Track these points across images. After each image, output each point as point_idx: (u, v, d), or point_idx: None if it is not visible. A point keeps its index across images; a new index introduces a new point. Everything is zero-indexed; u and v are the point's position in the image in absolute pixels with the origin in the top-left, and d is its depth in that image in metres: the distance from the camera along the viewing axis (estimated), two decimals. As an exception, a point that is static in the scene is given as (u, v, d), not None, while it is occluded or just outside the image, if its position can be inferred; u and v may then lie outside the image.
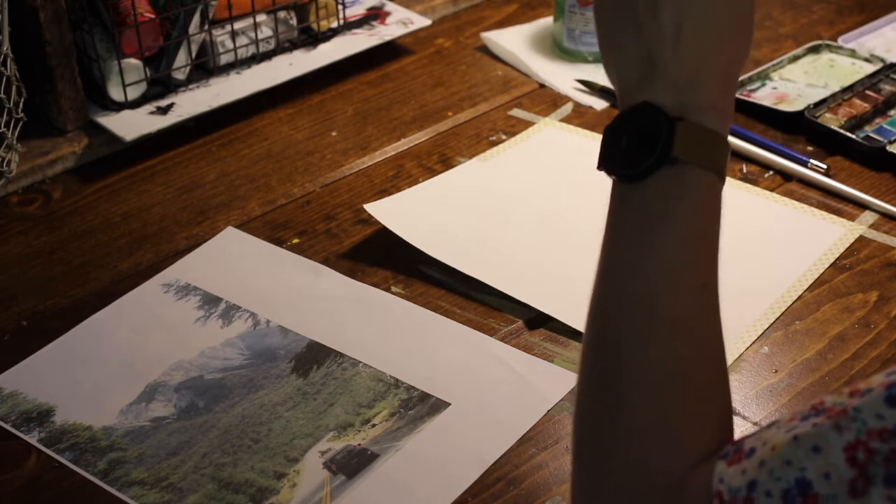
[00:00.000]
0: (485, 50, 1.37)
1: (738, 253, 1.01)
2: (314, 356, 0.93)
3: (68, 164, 1.17)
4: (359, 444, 0.85)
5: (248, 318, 0.97)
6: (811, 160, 1.13)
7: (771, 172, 1.14)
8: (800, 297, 0.98)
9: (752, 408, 0.88)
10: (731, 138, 1.16)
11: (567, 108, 1.25)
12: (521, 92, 1.29)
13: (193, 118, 1.20)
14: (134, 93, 1.19)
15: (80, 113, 1.17)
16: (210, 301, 0.99)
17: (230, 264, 1.03)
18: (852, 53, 1.32)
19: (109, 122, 1.17)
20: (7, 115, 1.06)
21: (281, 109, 1.26)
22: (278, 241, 1.06)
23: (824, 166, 1.13)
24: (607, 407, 0.60)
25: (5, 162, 1.07)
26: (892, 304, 0.97)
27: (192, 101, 1.21)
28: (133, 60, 1.18)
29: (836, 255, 1.02)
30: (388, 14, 1.37)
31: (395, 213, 1.07)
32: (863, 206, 1.09)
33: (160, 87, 1.22)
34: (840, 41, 1.34)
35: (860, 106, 1.21)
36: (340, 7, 1.32)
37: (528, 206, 1.09)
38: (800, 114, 1.20)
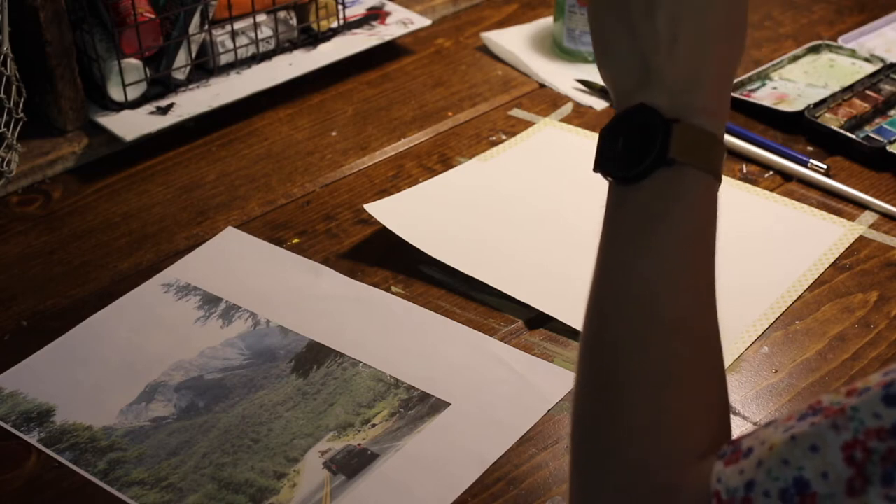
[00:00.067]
0: (485, 50, 1.37)
1: (738, 253, 1.01)
2: (314, 356, 0.93)
3: (68, 164, 1.17)
4: (359, 444, 0.85)
5: (248, 318, 0.97)
6: (811, 160, 1.13)
7: (771, 172, 1.14)
8: (800, 297, 0.98)
9: (751, 408, 0.88)
10: (731, 138, 1.17)
11: (567, 108, 1.25)
12: (521, 92, 1.29)
13: (193, 118, 1.20)
14: (134, 93, 1.19)
15: (80, 113, 1.17)
16: (210, 301, 0.99)
17: (230, 264, 1.03)
18: (852, 53, 1.32)
19: (109, 122, 1.17)
20: (7, 115, 1.06)
21: (281, 109, 1.26)
22: (278, 241, 1.06)
23: (824, 166, 1.13)
24: (606, 407, 0.60)
25: (5, 162, 1.07)
26: (892, 304, 0.97)
27: (192, 101, 1.21)
28: (133, 60, 1.18)
29: (836, 255, 1.02)
30: (388, 14, 1.37)
31: (395, 213, 1.07)
32: (863, 206, 1.09)
33: (160, 87, 1.22)
34: (840, 41, 1.34)
35: (860, 106, 1.21)
36: (340, 7, 1.32)
37: (528, 206, 1.09)
38: (800, 114, 1.20)
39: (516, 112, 1.25)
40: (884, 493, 0.48)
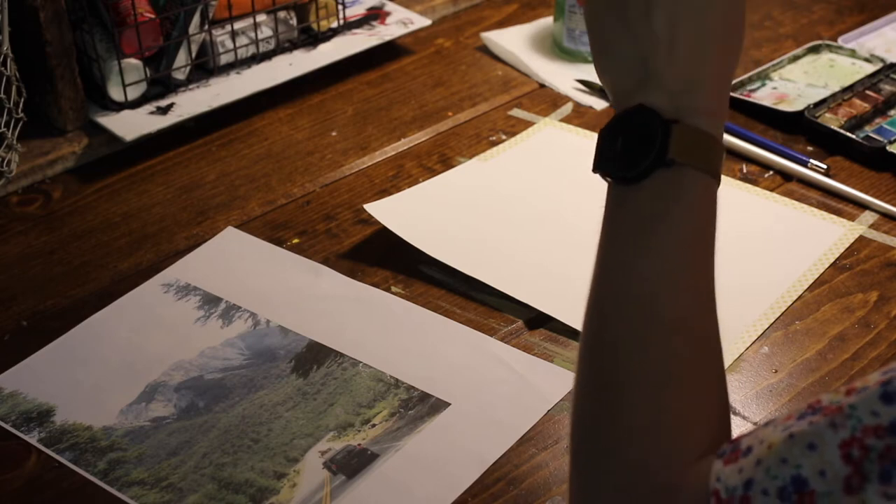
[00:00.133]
0: (485, 50, 1.37)
1: (738, 253, 1.01)
2: (314, 356, 0.93)
3: (68, 164, 1.17)
4: (359, 444, 0.85)
5: (248, 318, 0.97)
6: (811, 160, 1.13)
7: (771, 172, 1.14)
8: (800, 297, 0.98)
9: (751, 408, 0.88)
10: (731, 138, 1.17)
11: (567, 108, 1.25)
12: (521, 92, 1.29)
13: (193, 118, 1.20)
14: (134, 93, 1.19)
15: (80, 113, 1.17)
16: (210, 301, 0.99)
17: (230, 264, 1.03)
18: (852, 53, 1.32)
19: (109, 122, 1.17)
20: (7, 115, 1.06)
21: (281, 109, 1.26)
22: (278, 241, 1.06)
23: (824, 166, 1.13)
24: (606, 407, 0.60)
25: (5, 162, 1.07)
26: (892, 304, 0.97)
27: (192, 101, 1.21)
28: (133, 60, 1.18)
29: (836, 255, 1.02)
30: (388, 14, 1.37)
31: (395, 213, 1.07)
32: (863, 206, 1.09)
33: (160, 87, 1.22)
34: (840, 41, 1.34)
35: (860, 106, 1.21)
36: (340, 7, 1.32)
37: (528, 206, 1.09)
38: (800, 114, 1.20)
39: (516, 112, 1.25)
40: (881, 490, 0.48)
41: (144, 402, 0.89)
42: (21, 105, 1.08)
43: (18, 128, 1.08)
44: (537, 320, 0.96)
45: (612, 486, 0.58)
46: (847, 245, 1.03)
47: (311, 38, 1.31)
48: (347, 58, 1.30)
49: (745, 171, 1.14)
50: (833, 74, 1.29)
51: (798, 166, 1.13)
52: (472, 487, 0.81)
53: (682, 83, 0.62)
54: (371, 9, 1.38)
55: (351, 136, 1.22)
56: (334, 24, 1.33)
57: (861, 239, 1.04)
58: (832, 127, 1.17)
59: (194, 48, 1.22)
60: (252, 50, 1.27)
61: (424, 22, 1.37)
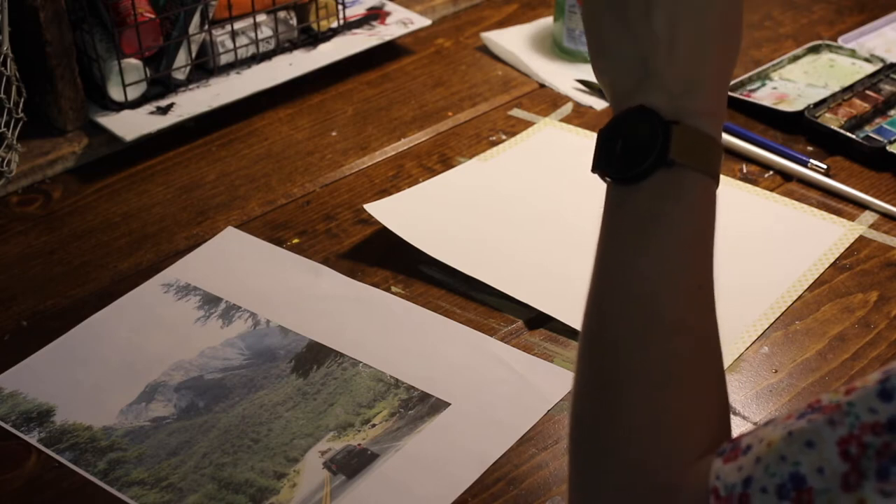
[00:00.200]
0: (485, 50, 1.37)
1: (738, 253, 1.01)
2: (314, 356, 0.93)
3: (68, 164, 1.17)
4: (359, 444, 0.85)
5: (248, 318, 0.97)
6: (811, 160, 1.13)
7: (771, 172, 1.14)
8: (800, 297, 0.98)
9: (752, 408, 0.88)
10: (731, 138, 1.17)
11: (567, 108, 1.25)
12: (521, 92, 1.29)
13: (193, 118, 1.20)
14: (134, 93, 1.19)
15: (80, 113, 1.17)
16: (210, 301, 0.99)
17: (230, 264, 1.03)
18: (852, 53, 1.32)
19: (109, 122, 1.17)
20: (7, 115, 1.06)
21: (281, 109, 1.26)
22: (278, 241, 1.06)
23: (824, 166, 1.13)
24: (605, 406, 0.60)
25: (5, 162, 1.07)
26: (892, 304, 0.97)
27: (192, 101, 1.21)
28: (133, 60, 1.18)
29: (836, 255, 1.02)
30: (388, 14, 1.37)
31: (395, 213, 1.07)
32: (863, 206, 1.09)
33: (160, 87, 1.22)
34: (840, 41, 1.34)
35: (860, 106, 1.21)
36: (340, 7, 1.32)
37: (528, 206, 1.09)
38: (800, 114, 1.20)
39: (516, 112, 1.25)
40: (879, 487, 0.48)
41: (144, 402, 0.89)
42: (21, 105, 1.08)
43: (18, 128, 1.08)
44: (537, 320, 0.96)
45: (612, 486, 0.58)
46: (847, 245, 1.03)
47: (311, 38, 1.31)
48: (347, 58, 1.30)
49: (745, 171, 1.14)
50: (833, 74, 1.29)
51: (798, 166, 1.13)
52: (472, 487, 0.81)
53: (682, 83, 0.62)
54: (371, 9, 1.38)
55: (351, 136, 1.22)
56: (334, 24, 1.33)
57: (861, 239, 1.04)
58: (832, 127, 1.17)
59: (194, 48, 1.22)
60: (252, 50, 1.27)
61: (424, 22, 1.37)
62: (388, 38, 1.34)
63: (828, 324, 0.95)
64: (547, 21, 1.41)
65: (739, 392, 0.89)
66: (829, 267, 1.01)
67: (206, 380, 0.91)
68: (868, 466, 0.49)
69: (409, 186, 1.12)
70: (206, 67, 1.25)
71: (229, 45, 1.25)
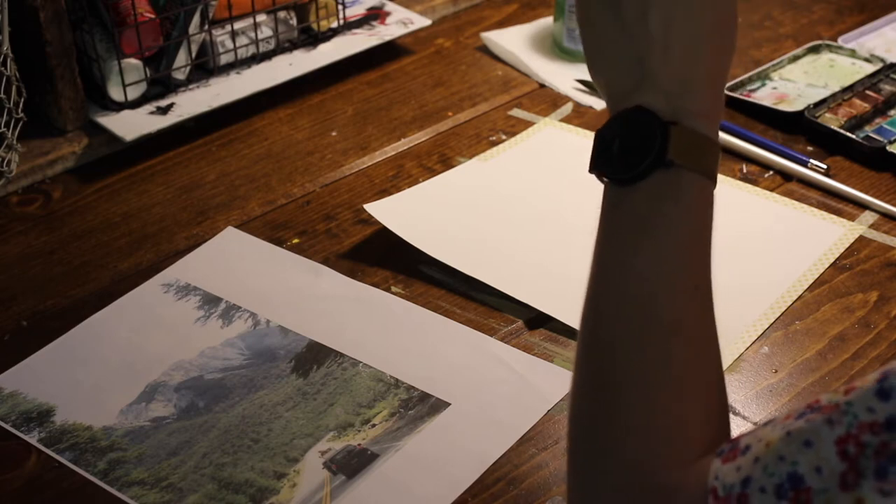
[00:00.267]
0: (485, 50, 1.37)
1: (738, 253, 1.01)
2: (314, 356, 0.93)
3: (68, 164, 1.17)
4: (359, 444, 0.85)
5: (248, 318, 0.97)
6: (811, 160, 1.13)
7: (771, 172, 1.14)
8: (800, 297, 0.98)
9: (752, 408, 0.88)
10: (731, 138, 1.17)
11: (567, 108, 1.25)
12: (521, 92, 1.29)
13: (193, 118, 1.20)
14: (134, 93, 1.19)
15: (80, 113, 1.17)
16: (210, 301, 0.99)
17: (230, 264, 1.03)
18: (852, 53, 1.32)
19: (109, 122, 1.17)
20: (7, 115, 1.06)
21: (281, 109, 1.26)
22: (278, 241, 1.06)
23: (824, 166, 1.13)
24: (603, 407, 0.60)
25: (5, 162, 1.07)
26: (892, 304, 0.97)
27: (192, 101, 1.21)
28: (133, 60, 1.18)
29: (836, 255, 1.02)
30: (388, 14, 1.37)
31: (395, 213, 1.07)
32: (863, 206, 1.09)
33: (160, 87, 1.22)
34: (840, 41, 1.34)
35: (860, 106, 1.21)
36: (340, 7, 1.32)
37: (528, 206, 1.09)
38: (800, 114, 1.20)
39: (516, 112, 1.25)
40: (877, 486, 0.48)
41: (144, 402, 0.89)
42: (21, 105, 1.08)
43: (18, 128, 1.08)
44: (537, 320, 0.96)
45: (610, 486, 0.58)
46: (847, 245, 1.03)
47: (311, 38, 1.31)
48: (347, 58, 1.30)
49: (745, 171, 1.14)
50: (833, 74, 1.29)
51: (798, 166, 1.13)
52: (472, 487, 0.81)
53: (678, 84, 0.62)
54: (371, 9, 1.38)
55: (351, 136, 1.22)
56: (334, 24, 1.33)
57: (861, 239, 1.04)
58: (832, 127, 1.17)
59: (194, 48, 1.22)
60: (252, 50, 1.27)
61: (424, 22, 1.37)
62: (388, 38, 1.34)
63: (828, 324, 0.95)
64: (547, 21, 1.41)
65: (739, 392, 0.89)
66: (829, 267, 1.01)
67: (206, 380, 0.91)
68: (866, 466, 0.49)
69: (409, 186, 1.12)
70: (206, 67, 1.25)
71: (229, 45, 1.25)
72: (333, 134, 1.22)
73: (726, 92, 1.22)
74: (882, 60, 1.29)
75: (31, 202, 1.13)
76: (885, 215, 1.07)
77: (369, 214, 1.06)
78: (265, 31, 1.27)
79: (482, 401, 0.88)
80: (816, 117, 1.19)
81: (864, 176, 1.13)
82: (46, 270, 1.03)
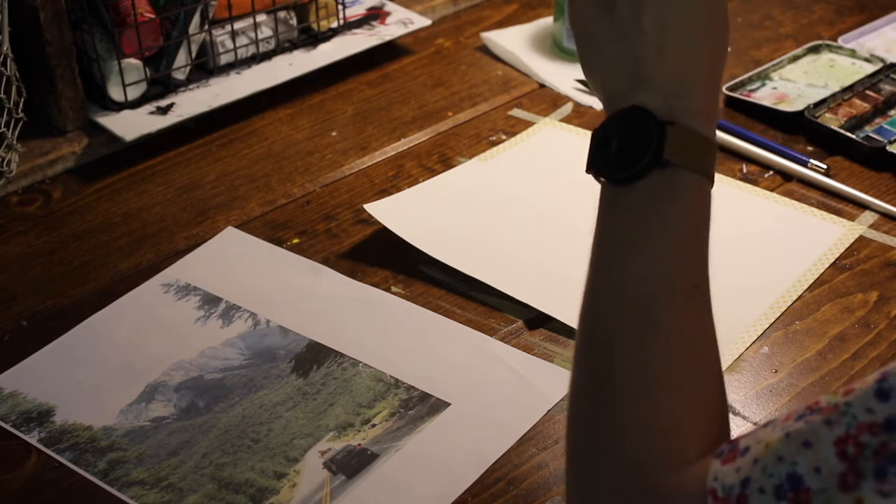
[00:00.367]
0: (485, 50, 1.37)
1: (738, 253, 1.01)
2: (314, 356, 0.93)
3: (68, 164, 1.17)
4: (359, 444, 0.85)
5: (248, 318, 0.97)
6: (811, 160, 1.13)
7: (771, 172, 1.14)
8: (800, 297, 0.98)
9: (752, 408, 0.88)
10: (731, 138, 1.17)
11: (567, 108, 1.25)
12: (521, 92, 1.29)
13: (193, 118, 1.20)
14: (134, 93, 1.19)
15: (80, 113, 1.17)
16: (210, 301, 0.99)
17: (230, 264, 1.03)
18: (852, 53, 1.32)
19: (109, 122, 1.17)
20: (7, 115, 1.06)
21: (281, 109, 1.26)
22: (278, 241, 1.06)
23: (824, 166, 1.13)
24: (601, 406, 0.60)
25: (5, 162, 1.07)
26: (892, 304, 0.97)
27: (192, 101, 1.21)
28: (133, 60, 1.18)
29: (836, 255, 1.02)
30: (388, 14, 1.37)
31: (395, 213, 1.07)
32: (863, 206, 1.09)
33: (160, 87, 1.22)
34: (840, 41, 1.34)
35: (860, 106, 1.21)
36: (340, 7, 1.32)
37: (528, 206, 1.09)
38: (800, 114, 1.20)
39: (516, 112, 1.25)
40: (877, 487, 0.48)
41: (144, 402, 0.89)
42: (21, 105, 1.08)
43: (18, 128, 1.08)
44: (537, 320, 0.96)
45: (609, 486, 0.58)
46: (847, 245, 1.03)
47: (311, 38, 1.31)
48: (347, 58, 1.30)
49: (745, 171, 1.14)
50: (833, 74, 1.29)
51: (798, 166, 1.13)
52: (472, 487, 0.81)
53: (675, 84, 0.62)
54: (371, 9, 1.38)
55: (351, 136, 1.22)
56: (334, 24, 1.33)
57: (861, 239, 1.04)
58: (832, 127, 1.17)
59: (194, 48, 1.22)
60: (252, 50, 1.27)
61: (424, 22, 1.37)
62: (388, 38, 1.34)
63: (828, 324, 0.95)
64: (547, 21, 1.41)
65: (739, 392, 0.89)
66: (829, 267, 1.01)
67: (206, 380, 0.91)
68: (866, 466, 0.49)
69: (409, 186, 1.12)
70: (206, 67, 1.25)
71: (229, 45, 1.25)
72: (333, 134, 1.22)
73: (726, 92, 1.23)
74: (882, 60, 1.29)
75: (31, 202, 1.13)
76: (885, 215, 1.07)
77: (369, 214, 1.06)
78: (265, 31, 1.27)
79: (482, 401, 0.88)
80: (816, 117, 1.19)
81: (864, 176, 1.13)
82: (46, 270, 1.03)
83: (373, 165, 1.17)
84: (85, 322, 0.96)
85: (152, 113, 1.19)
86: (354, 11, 1.37)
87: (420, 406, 0.88)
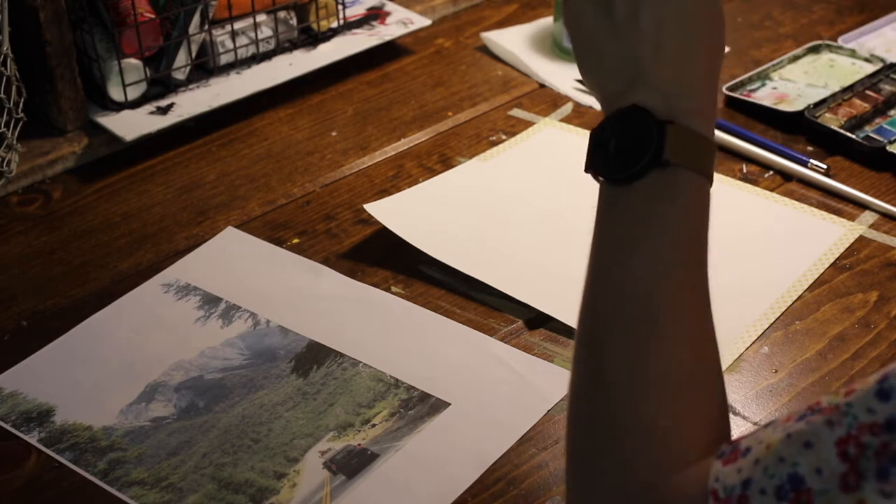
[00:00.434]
0: (485, 50, 1.37)
1: (738, 253, 1.01)
2: (314, 356, 0.93)
3: (68, 164, 1.17)
4: (359, 444, 0.85)
5: (248, 318, 0.97)
6: (811, 160, 1.13)
7: (771, 172, 1.14)
8: (800, 297, 0.98)
9: (752, 408, 0.88)
10: (731, 138, 1.17)
11: (567, 108, 1.25)
12: (521, 92, 1.29)
13: (193, 118, 1.20)
14: (134, 93, 1.19)
15: (80, 113, 1.17)
16: (210, 301, 0.99)
17: (230, 264, 1.03)
18: (852, 53, 1.32)
19: (109, 122, 1.17)
20: (7, 115, 1.06)
21: (281, 109, 1.26)
22: (278, 241, 1.06)
23: (824, 166, 1.13)
24: (600, 407, 0.60)
25: (5, 162, 1.08)
26: (892, 304, 0.97)
27: (192, 101, 1.21)
28: (133, 60, 1.18)
29: (836, 255, 1.02)
30: (388, 14, 1.37)
31: (395, 213, 1.07)
32: (863, 206, 1.09)
33: (160, 87, 1.22)
34: (840, 41, 1.34)
35: (860, 106, 1.21)
36: (340, 7, 1.32)
37: (528, 206, 1.09)
38: (800, 114, 1.20)
39: (516, 112, 1.25)
40: (879, 487, 0.48)
41: (144, 402, 0.89)
42: (21, 105, 1.08)
43: (18, 128, 1.08)
44: (537, 320, 0.96)
45: (608, 486, 0.58)
46: (847, 245, 1.03)
47: (311, 38, 1.31)
48: (347, 58, 1.30)
49: (745, 171, 1.14)
50: (833, 74, 1.29)
51: (798, 166, 1.13)
52: (472, 487, 0.81)
53: (673, 83, 0.62)
54: (371, 9, 1.38)
55: (351, 136, 1.22)
56: (334, 24, 1.33)
57: (861, 239, 1.04)
58: (832, 127, 1.17)
59: (194, 48, 1.22)
60: (252, 50, 1.27)
61: (424, 22, 1.37)
62: (388, 38, 1.34)
63: (828, 324, 0.95)
64: (547, 21, 1.41)
65: (739, 392, 0.89)
66: (829, 267, 1.01)
67: (206, 380, 0.91)
68: (867, 467, 0.49)
69: (409, 186, 1.12)
70: (206, 67, 1.25)
71: (229, 45, 1.25)
72: (333, 134, 1.22)
73: (726, 92, 1.23)
74: (882, 60, 1.29)
75: (31, 202, 1.13)
76: (885, 215, 1.07)
77: (369, 214, 1.06)
78: (265, 31, 1.27)
79: (482, 401, 0.88)
80: (816, 117, 1.19)
81: (864, 176, 1.13)
82: (46, 270, 1.03)
83: (373, 165, 1.17)
84: (85, 322, 0.97)
85: (152, 113, 1.19)
86: (354, 11, 1.37)
87: (420, 406, 0.88)
